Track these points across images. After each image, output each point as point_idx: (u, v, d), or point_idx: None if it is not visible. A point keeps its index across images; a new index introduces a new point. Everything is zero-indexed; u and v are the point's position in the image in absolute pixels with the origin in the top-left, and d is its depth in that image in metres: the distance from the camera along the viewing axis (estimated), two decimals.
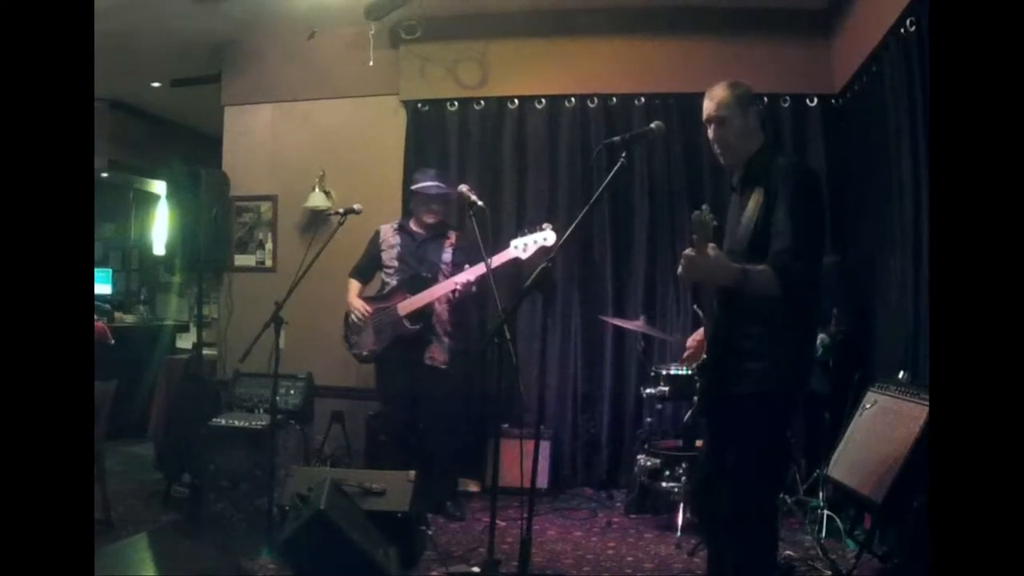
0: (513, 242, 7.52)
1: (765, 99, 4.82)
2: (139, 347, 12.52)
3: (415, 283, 7.95)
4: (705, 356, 4.80)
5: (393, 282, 8.11)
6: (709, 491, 4.84)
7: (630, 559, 6.88)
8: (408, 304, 7.86)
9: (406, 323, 7.86)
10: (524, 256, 7.46)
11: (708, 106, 4.77)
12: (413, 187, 8.22)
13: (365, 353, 8.15)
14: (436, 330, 8.06)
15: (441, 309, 8.05)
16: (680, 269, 4.36)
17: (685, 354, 5.23)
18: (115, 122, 13.47)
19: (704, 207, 4.39)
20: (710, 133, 4.79)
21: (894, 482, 5.44)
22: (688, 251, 4.26)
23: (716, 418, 4.84)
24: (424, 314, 7.91)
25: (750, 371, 4.41)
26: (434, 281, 7.91)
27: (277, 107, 10.35)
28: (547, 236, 7.41)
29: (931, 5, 4.75)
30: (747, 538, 4.47)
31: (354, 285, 8.30)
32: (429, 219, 8.12)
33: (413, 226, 8.23)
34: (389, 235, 8.29)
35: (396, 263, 8.16)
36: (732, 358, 4.52)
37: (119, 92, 13.14)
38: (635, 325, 8.16)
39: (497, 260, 7.36)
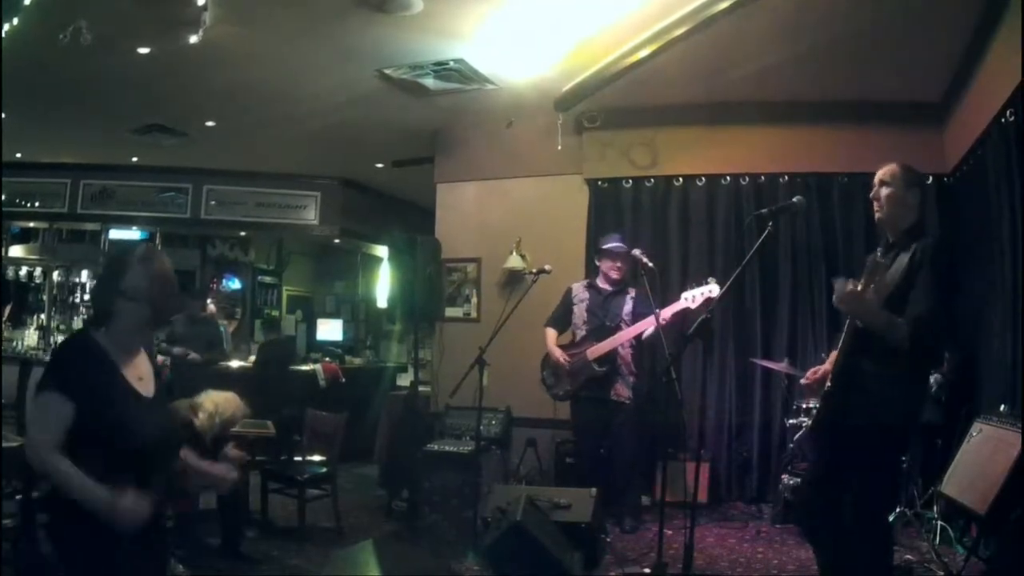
0: (683, 294, 7.64)
1: (926, 185, 4.80)
2: (366, 385, 12.81)
3: (601, 332, 8.14)
4: (828, 386, 4.86)
5: (583, 332, 8.31)
6: (818, 506, 4.95)
7: (775, 562, 7.01)
8: (596, 350, 8.04)
9: (595, 366, 8.04)
10: (693, 306, 7.56)
11: (879, 172, 4.96)
12: (603, 246, 8.38)
13: (561, 393, 8.34)
14: (621, 370, 8.19)
15: (625, 352, 8.19)
16: (837, 298, 4.61)
17: (804, 381, 5.29)
18: (346, 197, 14.13)
19: (879, 251, 4.72)
20: (872, 192, 4.97)
21: (996, 497, 5.52)
22: (852, 286, 4.52)
23: (833, 442, 4.90)
24: (609, 357, 8.08)
25: (868, 405, 4.53)
26: (617, 330, 8.08)
27: (481, 184, 10.70)
28: (712, 288, 7.53)
29: (1020, 100, 4.99)
30: (865, 550, 4.57)
31: (551, 333, 8.46)
32: (614, 275, 8.28)
33: (600, 283, 8.40)
34: (580, 291, 8.48)
35: (585, 315, 8.35)
36: (853, 392, 4.64)
37: (350, 172, 13.85)
38: (780, 367, 8.30)
39: (671, 310, 7.56)
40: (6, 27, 6.53)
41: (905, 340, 4.43)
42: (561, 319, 8.56)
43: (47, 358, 13.09)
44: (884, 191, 4.88)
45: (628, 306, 8.26)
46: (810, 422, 5.34)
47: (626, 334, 8.02)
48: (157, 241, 14.59)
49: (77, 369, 3.37)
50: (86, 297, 15.14)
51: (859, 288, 4.50)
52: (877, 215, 4.95)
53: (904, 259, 4.64)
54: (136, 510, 3.19)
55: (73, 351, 3.55)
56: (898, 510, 6.99)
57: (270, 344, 12.67)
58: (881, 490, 4.72)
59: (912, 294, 4.52)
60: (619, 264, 8.28)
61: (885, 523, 4.82)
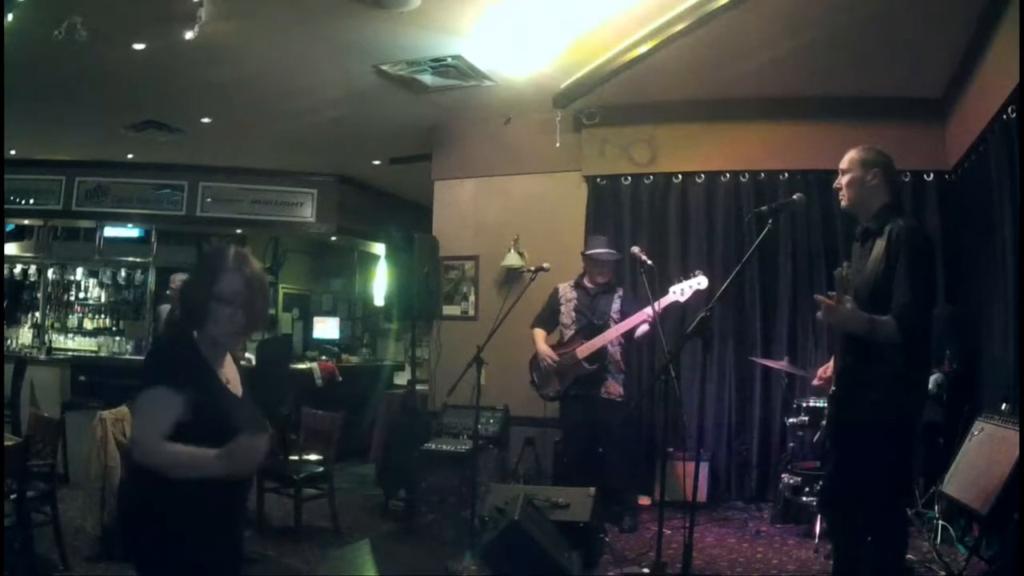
0: (672, 288, 7.69)
1: (891, 165, 4.91)
2: (362, 384, 12.85)
3: (590, 331, 8.16)
4: (833, 388, 4.94)
5: (571, 331, 8.34)
6: (835, 504, 5.04)
7: (775, 562, 7.01)
8: (585, 348, 8.06)
9: (585, 364, 8.06)
10: (682, 299, 7.66)
11: (841, 160, 5.04)
12: (588, 252, 8.45)
13: (551, 393, 8.37)
14: (611, 368, 8.23)
15: (614, 350, 8.23)
16: (820, 315, 4.66)
17: (815, 382, 5.39)
18: (343, 194, 14.12)
19: (844, 264, 4.68)
20: (834, 183, 5.12)
21: (998, 497, 5.54)
22: (828, 301, 4.54)
23: (841, 441, 4.99)
24: (599, 355, 8.10)
25: (870, 403, 4.55)
26: (606, 328, 8.11)
27: (478, 181, 10.69)
28: (700, 281, 7.62)
29: (1021, 97, 4.98)
30: (878, 548, 4.61)
31: (539, 333, 8.50)
32: (600, 279, 8.34)
33: (586, 283, 8.43)
34: (567, 291, 8.52)
35: (574, 314, 8.38)
36: (855, 392, 4.68)
37: (347, 169, 13.84)
38: (780, 365, 8.30)
39: (660, 304, 7.52)
40: None
41: (894, 334, 4.46)
42: (548, 320, 8.60)
43: (42, 357, 13.22)
44: (844, 179, 5.00)
45: (616, 304, 8.31)
46: (824, 422, 5.40)
47: (616, 330, 8.05)
48: (153, 238, 14.62)
49: (181, 365, 3.35)
50: (81, 295, 15.17)
51: (831, 301, 4.54)
52: (842, 204, 5.09)
53: (880, 246, 4.70)
54: (254, 446, 3.21)
55: (175, 349, 3.50)
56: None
57: (269, 342, 12.70)
58: (891, 488, 4.72)
59: (895, 283, 4.56)
60: (605, 269, 8.38)
61: (898, 521, 4.83)
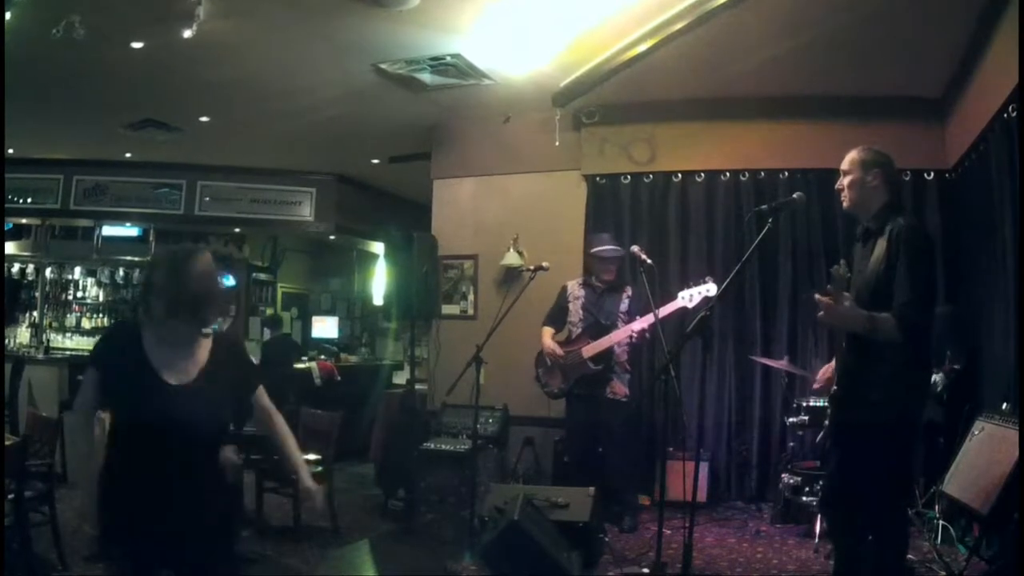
0: (680, 293, 7.66)
1: (891, 165, 4.95)
2: (361, 383, 12.90)
3: (596, 330, 8.15)
4: (835, 388, 4.96)
5: (578, 330, 8.32)
6: (836, 504, 5.05)
7: (775, 562, 7.00)
8: (591, 348, 8.06)
9: (590, 364, 8.06)
10: (691, 305, 7.58)
11: (842, 162, 5.05)
12: (592, 251, 8.45)
13: (555, 391, 8.37)
14: (616, 368, 8.21)
15: (620, 351, 8.21)
16: (820, 315, 4.66)
17: (816, 384, 5.40)
18: (341, 193, 14.11)
19: (842, 262, 4.66)
20: (836, 184, 5.13)
21: (998, 496, 5.52)
22: (826, 299, 4.54)
23: (842, 441, 5.01)
24: (605, 355, 8.10)
25: (872, 403, 4.55)
26: (613, 328, 8.10)
27: (478, 180, 10.68)
28: (709, 287, 7.54)
29: (1021, 96, 4.96)
30: (879, 548, 4.62)
31: (547, 331, 8.47)
32: (606, 276, 8.32)
33: (594, 281, 8.43)
34: (575, 289, 8.51)
35: (581, 312, 8.36)
36: (857, 392, 4.69)
37: (345, 168, 13.83)
38: (780, 364, 8.32)
39: (667, 309, 7.57)
40: None
41: (894, 332, 4.47)
42: (557, 318, 8.57)
43: (40, 356, 13.23)
44: (845, 180, 5.01)
45: (624, 304, 8.30)
46: (826, 422, 5.41)
47: (621, 333, 8.03)
48: (151, 237, 14.59)
49: (106, 348, 3.79)
50: (79, 294, 15.17)
51: (829, 299, 4.55)
52: (844, 205, 5.11)
53: (882, 246, 4.70)
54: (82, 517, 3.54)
55: (108, 334, 4.16)
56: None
57: (275, 341, 12.72)
58: (892, 488, 4.72)
59: (895, 282, 4.56)
60: (611, 266, 8.35)
61: (898, 521, 4.83)
